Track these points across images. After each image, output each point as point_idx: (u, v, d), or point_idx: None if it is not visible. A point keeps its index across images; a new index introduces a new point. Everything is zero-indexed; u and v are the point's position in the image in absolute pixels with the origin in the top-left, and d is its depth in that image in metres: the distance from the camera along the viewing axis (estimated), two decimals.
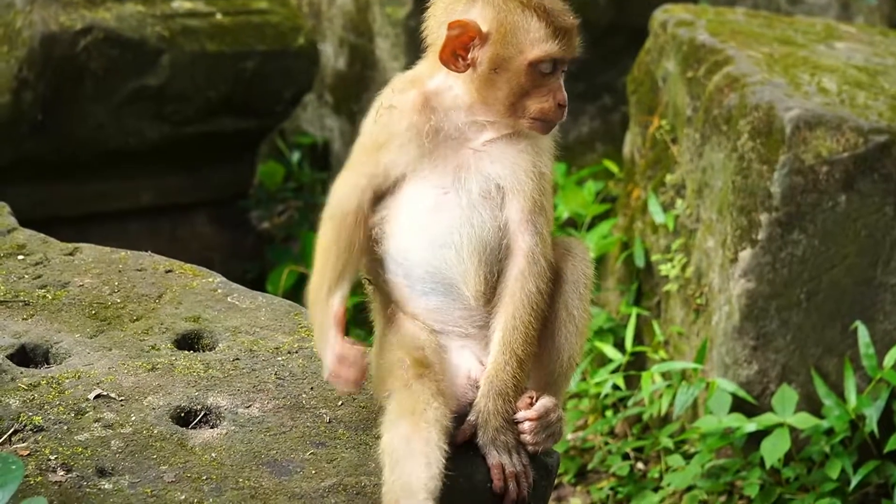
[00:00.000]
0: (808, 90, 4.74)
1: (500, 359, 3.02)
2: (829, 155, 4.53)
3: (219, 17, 5.73)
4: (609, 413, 5.07)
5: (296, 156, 6.99)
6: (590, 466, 4.99)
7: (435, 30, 3.06)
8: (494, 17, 2.99)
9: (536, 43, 2.99)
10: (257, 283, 6.05)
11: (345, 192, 3.06)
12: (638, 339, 5.19)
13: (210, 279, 3.57)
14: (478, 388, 3.05)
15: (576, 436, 5.14)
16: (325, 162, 7.03)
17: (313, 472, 2.87)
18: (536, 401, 3.05)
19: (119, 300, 3.41)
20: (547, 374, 3.15)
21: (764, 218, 4.59)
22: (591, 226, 5.73)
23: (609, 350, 5.06)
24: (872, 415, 4.47)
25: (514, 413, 3.04)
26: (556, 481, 4.99)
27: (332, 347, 2.92)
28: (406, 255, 3.06)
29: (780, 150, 4.56)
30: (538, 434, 3.04)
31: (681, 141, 5.13)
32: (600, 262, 5.57)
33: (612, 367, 5.00)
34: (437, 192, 3.03)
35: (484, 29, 2.98)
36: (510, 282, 3.05)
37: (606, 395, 5.07)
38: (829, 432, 4.56)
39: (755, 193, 4.61)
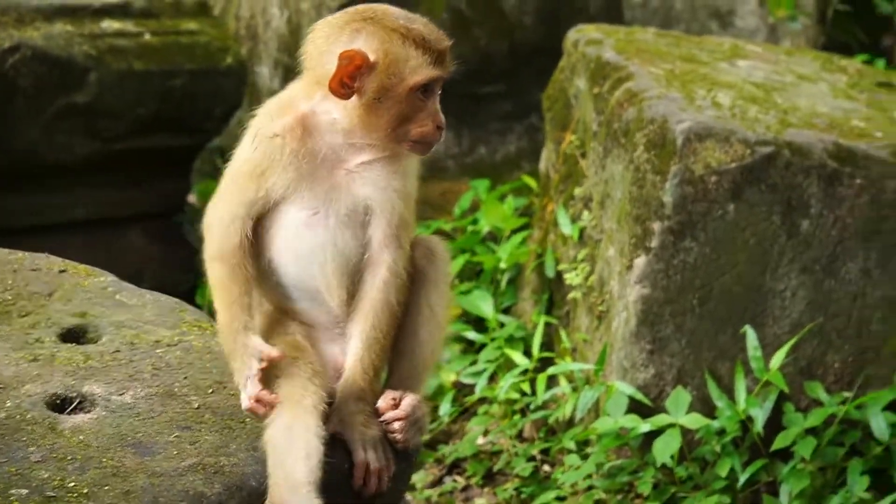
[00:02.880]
0: (701, 104, 4.93)
1: (359, 367, 3.24)
2: (718, 165, 4.72)
3: (147, 37, 5.92)
4: (517, 417, 5.24)
5: None
6: (496, 468, 5.16)
7: (315, 57, 3.25)
8: (380, 48, 3.17)
9: (417, 69, 3.18)
10: (189, 295, 6.22)
11: (224, 226, 3.25)
12: (549, 348, 5.36)
13: (102, 278, 3.74)
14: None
15: (485, 440, 5.31)
16: None
17: (175, 452, 3.04)
18: (401, 400, 3.26)
19: (10, 297, 3.58)
20: (410, 368, 3.35)
21: (657, 226, 4.77)
22: (510, 239, 5.92)
23: (517, 357, 5.23)
24: (759, 415, 4.65)
25: (374, 410, 3.24)
26: (464, 483, 5.17)
27: (252, 390, 3.11)
28: (277, 268, 3.28)
29: (672, 161, 4.75)
30: (408, 432, 3.25)
31: (588, 155, 5.31)
32: (516, 272, 5.76)
33: (517, 371, 5.17)
34: (308, 213, 3.24)
35: (371, 59, 3.17)
36: (373, 292, 3.26)
37: (516, 401, 5.25)
38: (721, 432, 4.73)
39: (649, 203, 4.80)
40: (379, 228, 3.25)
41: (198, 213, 6.89)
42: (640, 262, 4.81)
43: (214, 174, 7.21)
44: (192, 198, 6.90)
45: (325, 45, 3.23)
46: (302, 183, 3.23)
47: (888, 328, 4.78)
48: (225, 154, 7.37)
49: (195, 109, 6.08)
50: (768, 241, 4.76)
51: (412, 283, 3.32)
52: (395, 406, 3.25)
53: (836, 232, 4.74)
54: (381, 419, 3.25)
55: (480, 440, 5.29)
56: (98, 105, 5.81)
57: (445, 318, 3.35)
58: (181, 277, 6.41)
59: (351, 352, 3.23)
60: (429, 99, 3.24)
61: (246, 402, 3.13)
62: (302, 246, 3.25)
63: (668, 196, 4.75)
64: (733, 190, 4.72)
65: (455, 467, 5.24)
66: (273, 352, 3.12)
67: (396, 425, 3.24)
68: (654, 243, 4.78)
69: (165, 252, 6.39)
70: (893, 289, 4.76)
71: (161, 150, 6.13)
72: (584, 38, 5.58)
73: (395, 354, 3.34)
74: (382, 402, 3.26)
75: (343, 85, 3.18)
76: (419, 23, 3.24)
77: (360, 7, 3.28)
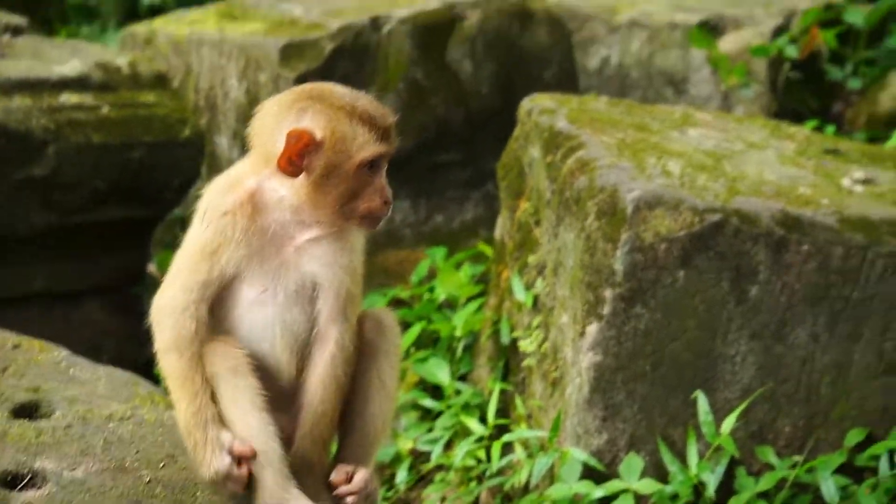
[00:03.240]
0: (651, 173, 5.00)
1: (308, 440, 3.33)
2: (668, 233, 4.79)
3: (105, 109, 5.98)
4: (473, 484, 5.27)
5: None
6: None
7: (263, 135, 3.32)
8: (326, 126, 3.25)
9: (364, 146, 3.27)
10: (148, 367, 6.23)
11: (178, 314, 3.32)
12: (505, 414, 5.40)
13: (55, 353, 3.79)
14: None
15: None
16: None
17: None
18: (354, 475, 3.32)
19: None
20: (361, 439, 3.42)
21: (608, 293, 4.83)
22: (466, 306, 5.97)
23: (473, 424, 5.28)
24: (711, 480, 4.70)
25: (324, 482, 3.30)
26: None
27: (238, 473, 3.19)
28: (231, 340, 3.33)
29: (622, 228, 4.82)
30: None
31: (542, 223, 5.38)
32: (472, 340, 5.81)
33: (473, 438, 5.21)
34: (257, 291, 3.30)
35: (318, 137, 3.24)
36: (321, 367, 3.33)
37: (472, 468, 5.28)
38: (675, 497, 4.78)
39: (600, 270, 4.86)
40: (326, 304, 3.32)
41: (157, 285, 6.93)
42: (593, 329, 4.87)
43: (174, 245, 7.26)
44: (152, 268, 6.93)
45: (273, 124, 3.30)
46: (252, 260, 3.30)
47: (836, 392, 4.84)
48: (185, 225, 7.41)
49: (153, 181, 6.13)
50: (718, 308, 4.82)
51: (362, 354, 3.39)
52: (348, 480, 3.31)
53: (784, 298, 4.81)
54: (334, 493, 3.30)
55: None
56: (56, 178, 5.85)
57: (395, 390, 3.42)
58: (140, 350, 6.42)
59: (300, 425, 3.29)
60: (376, 174, 3.32)
61: (240, 488, 3.19)
62: (253, 324, 3.31)
63: (618, 264, 4.81)
64: (683, 257, 4.79)
65: None
66: (245, 448, 3.18)
67: (349, 500, 3.29)
68: (605, 310, 4.84)
69: (124, 324, 6.42)
70: (841, 353, 4.83)
71: (119, 221, 6.17)
72: (538, 108, 5.66)
73: (346, 426, 3.40)
74: (335, 476, 3.32)
75: (291, 163, 3.25)
76: (364, 100, 3.32)
77: (307, 86, 3.37)
